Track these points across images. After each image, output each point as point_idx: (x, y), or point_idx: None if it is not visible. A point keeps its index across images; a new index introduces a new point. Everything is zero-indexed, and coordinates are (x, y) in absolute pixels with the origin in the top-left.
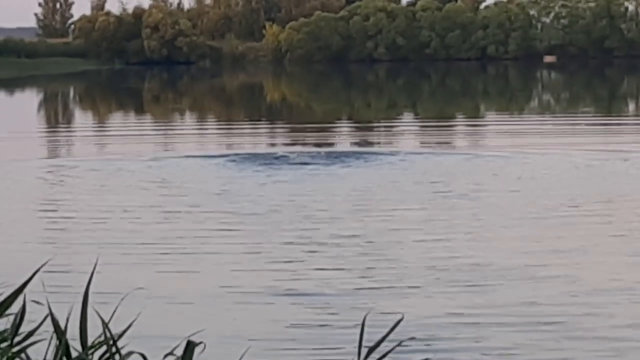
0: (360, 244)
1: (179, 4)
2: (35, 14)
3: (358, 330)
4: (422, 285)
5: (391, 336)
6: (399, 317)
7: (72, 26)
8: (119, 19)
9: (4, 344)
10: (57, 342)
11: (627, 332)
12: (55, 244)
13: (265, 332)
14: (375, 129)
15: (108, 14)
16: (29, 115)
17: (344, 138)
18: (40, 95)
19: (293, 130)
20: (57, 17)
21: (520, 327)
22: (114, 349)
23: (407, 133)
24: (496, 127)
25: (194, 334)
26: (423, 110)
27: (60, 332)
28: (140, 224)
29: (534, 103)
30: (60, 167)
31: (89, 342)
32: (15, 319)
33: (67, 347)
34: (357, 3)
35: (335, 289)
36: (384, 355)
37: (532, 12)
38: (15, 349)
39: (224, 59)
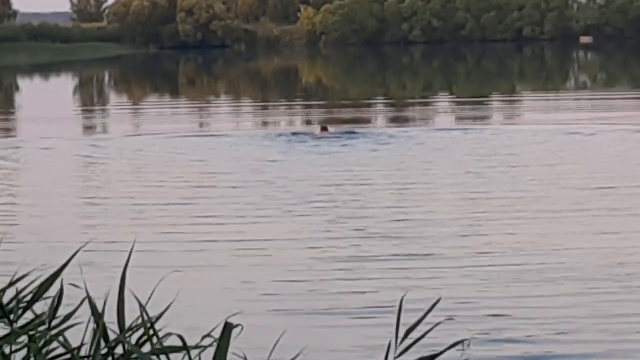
0: (398, 226)
1: None
2: None
3: (395, 312)
4: (459, 267)
5: (429, 317)
6: (436, 298)
7: (107, 11)
8: (153, 3)
9: (42, 327)
10: (95, 325)
11: None
12: (93, 224)
13: (302, 315)
14: (411, 108)
15: None
16: (66, 97)
17: (380, 118)
18: (78, 79)
19: (329, 110)
20: (92, 2)
21: (562, 307)
22: (151, 331)
23: (443, 111)
24: (535, 105)
25: (231, 316)
26: (459, 90)
27: (97, 315)
28: (178, 206)
29: (571, 83)
30: (97, 147)
31: (127, 325)
32: (52, 302)
33: (105, 329)
34: None
35: (372, 270)
36: (423, 335)
37: None
38: (53, 332)
39: (259, 43)
